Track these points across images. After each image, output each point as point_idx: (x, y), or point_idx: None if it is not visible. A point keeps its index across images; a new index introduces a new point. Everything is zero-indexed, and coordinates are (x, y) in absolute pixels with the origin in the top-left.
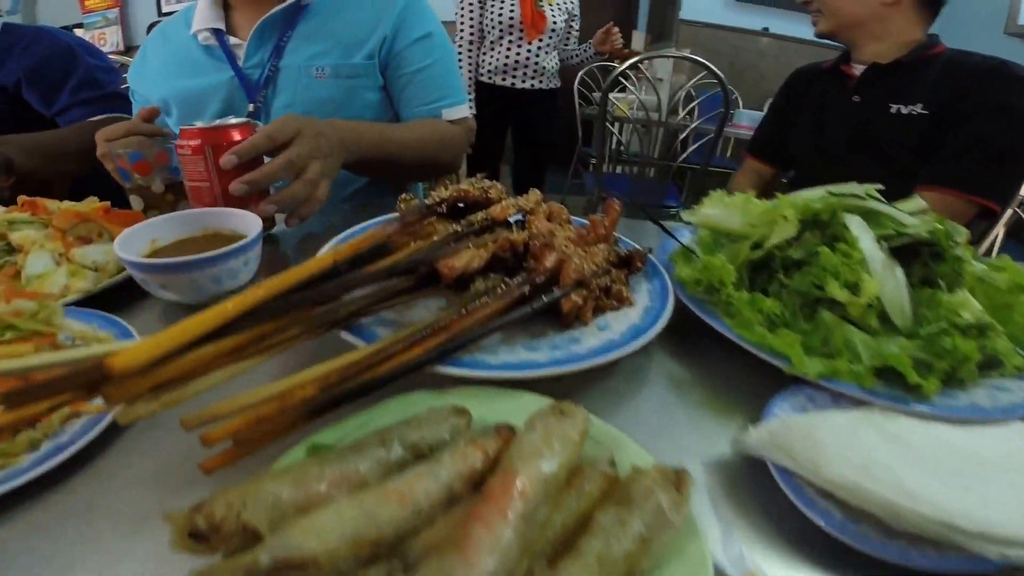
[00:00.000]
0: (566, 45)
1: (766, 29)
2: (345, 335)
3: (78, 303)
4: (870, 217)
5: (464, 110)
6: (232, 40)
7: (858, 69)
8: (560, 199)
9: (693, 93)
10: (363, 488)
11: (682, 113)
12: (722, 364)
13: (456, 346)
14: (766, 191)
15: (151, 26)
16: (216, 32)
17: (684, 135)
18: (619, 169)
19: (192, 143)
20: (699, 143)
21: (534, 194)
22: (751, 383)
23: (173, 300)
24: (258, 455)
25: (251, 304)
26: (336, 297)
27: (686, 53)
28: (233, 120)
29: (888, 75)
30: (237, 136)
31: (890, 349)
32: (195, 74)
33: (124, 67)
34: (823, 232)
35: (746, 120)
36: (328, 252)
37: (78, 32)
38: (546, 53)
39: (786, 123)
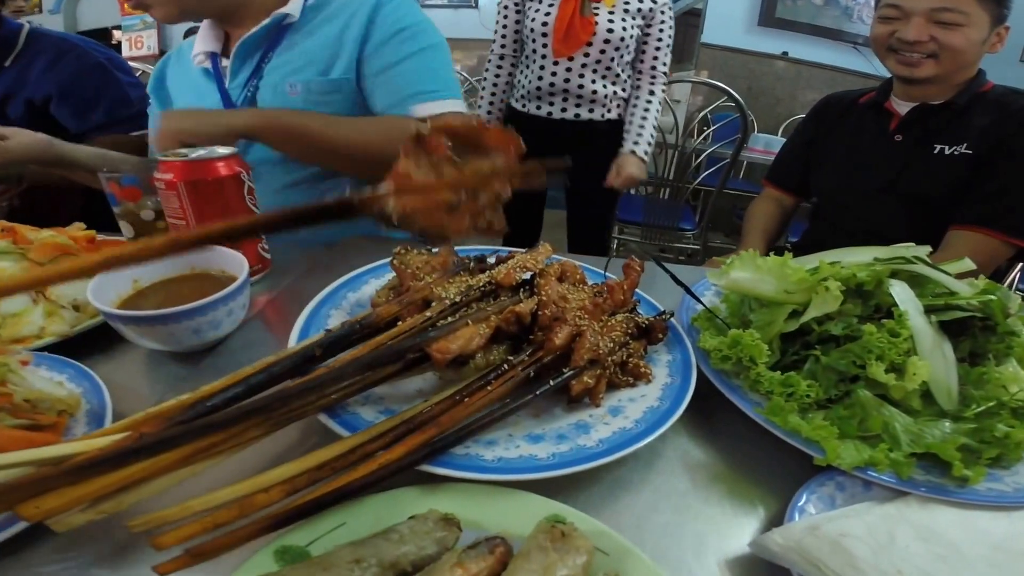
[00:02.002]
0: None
1: (785, 53)
2: (323, 418)
3: (53, 347)
4: (916, 282)
5: (442, 106)
6: (224, 62)
7: (902, 107)
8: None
9: (709, 116)
10: None
11: (696, 136)
12: (743, 445)
13: (447, 443)
14: (786, 220)
15: (188, 32)
16: (212, 55)
17: (700, 159)
18: (632, 190)
19: (166, 177)
20: (715, 167)
21: (544, 249)
22: (774, 466)
23: (154, 348)
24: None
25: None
26: (303, 404)
27: (705, 76)
28: (221, 151)
29: (935, 115)
30: (222, 170)
31: (933, 435)
32: (195, 99)
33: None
34: (865, 302)
35: (761, 144)
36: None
37: (116, 34)
38: (595, 72)
39: (812, 153)
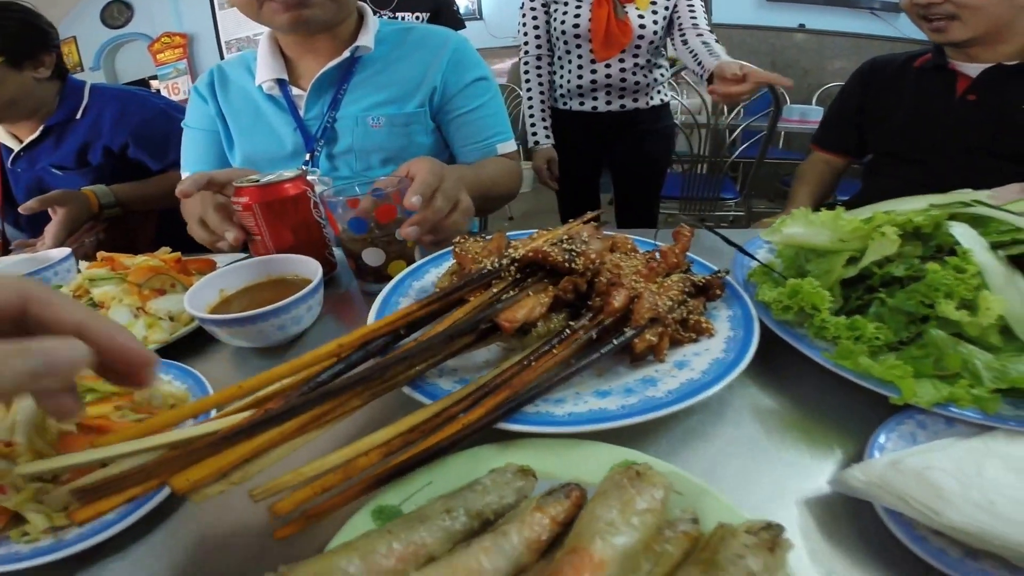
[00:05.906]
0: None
1: (802, 25)
2: (407, 390)
3: (156, 352)
4: (978, 223)
5: (512, 145)
6: (294, 91)
7: (968, 68)
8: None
9: None
10: (430, 562)
11: (728, 113)
12: (813, 392)
13: (520, 403)
14: (835, 179)
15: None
16: (280, 82)
17: (734, 135)
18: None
19: (242, 200)
20: (750, 141)
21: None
22: (848, 411)
23: (242, 346)
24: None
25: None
26: (396, 374)
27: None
28: (287, 174)
29: (1014, 76)
30: (291, 189)
31: (1019, 370)
32: (262, 129)
33: None
34: (925, 244)
35: (796, 114)
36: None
37: (153, 84)
38: (636, 64)
39: (865, 118)
